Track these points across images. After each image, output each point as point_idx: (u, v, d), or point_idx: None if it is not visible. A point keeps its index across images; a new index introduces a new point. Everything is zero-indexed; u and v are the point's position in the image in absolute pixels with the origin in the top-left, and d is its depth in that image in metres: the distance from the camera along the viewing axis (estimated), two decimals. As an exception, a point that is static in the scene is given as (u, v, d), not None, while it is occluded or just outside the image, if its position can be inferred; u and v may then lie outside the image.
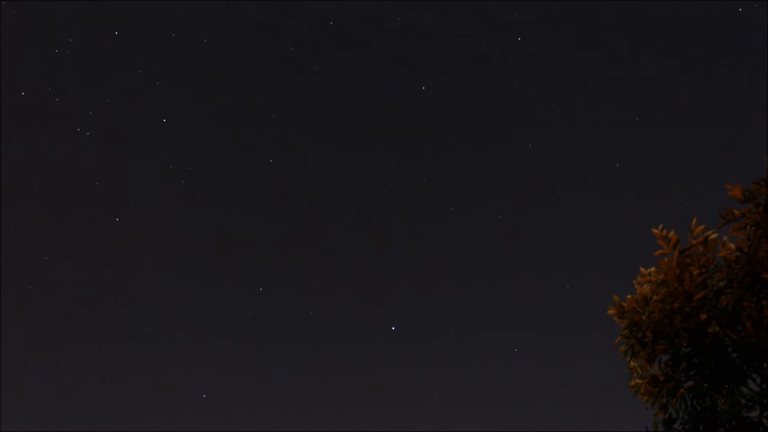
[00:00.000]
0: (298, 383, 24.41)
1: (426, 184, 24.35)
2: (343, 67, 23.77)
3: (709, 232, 6.08)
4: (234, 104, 24.25)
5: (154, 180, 23.80)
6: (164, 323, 24.54)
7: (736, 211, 5.78)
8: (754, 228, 5.72)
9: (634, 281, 6.50)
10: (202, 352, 24.38)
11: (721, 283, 6.05)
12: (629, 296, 6.42)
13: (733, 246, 5.99)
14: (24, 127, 22.39)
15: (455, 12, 22.56)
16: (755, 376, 6.02)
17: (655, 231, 6.27)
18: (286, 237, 25.24)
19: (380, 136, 24.43)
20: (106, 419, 23.13)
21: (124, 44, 22.11)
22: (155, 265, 24.45)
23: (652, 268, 6.38)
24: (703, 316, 5.96)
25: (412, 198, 24.70)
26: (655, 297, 6.26)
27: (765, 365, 5.89)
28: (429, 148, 24.50)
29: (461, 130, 24.03)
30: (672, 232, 6.18)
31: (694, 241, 6.13)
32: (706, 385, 6.09)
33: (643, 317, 6.32)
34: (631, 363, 6.63)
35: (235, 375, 24.18)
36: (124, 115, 22.96)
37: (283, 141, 24.71)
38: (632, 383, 6.60)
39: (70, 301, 23.98)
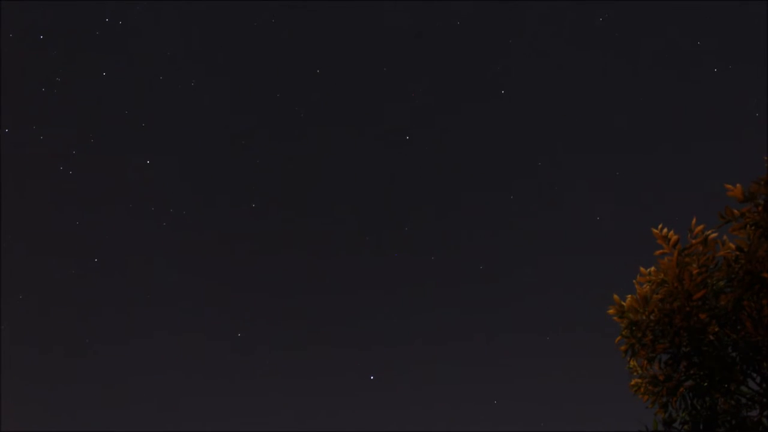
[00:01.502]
0: (298, 383, 24.40)
1: (426, 183, 24.36)
2: (342, 66, 23.78)
3: (709, 232, 6.09)
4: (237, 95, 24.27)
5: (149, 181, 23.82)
6: (164, 323, 24.53)
7: (735, 211, 5.80)
8: (753, 228, 5.73)
9: (634, 281, 6.51)
10: (201, 353, 24.37)
11: (721, 283, 6.06)
12: (629, 296, 6.42)
13: (732, 245, 6.00)
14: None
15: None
16: (755, 375, 6.02)
17: (655, 231, 6.28)
18: (285, 237, 25.24)
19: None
20: (107, 419, 23.12)
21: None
22: (155, 266, 24.45)
23: (652, 268, 6.38)
24: (703, 316, 5.97)
25: (413, 198, 24.70)
26: (655, 297, 6.26)
27: (765, 365, 5.90)
28: (430, 147, 24.50)
29: (460, 125, 24.04)
30: (672, 232, 6.19)
31: (693, 241, 6.14)
32: (706, 384, 6.09)
33: (643, 317, 6.32)
34: (631, 362, 6.64)
35: (236, 375, 24.16)
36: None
37: (284, 141, 24.71)
38: (632, 383, 6.60)
39: (70, 302, 23.97)
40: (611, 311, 6.54)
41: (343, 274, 25.37)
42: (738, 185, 5.71)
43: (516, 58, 23.14)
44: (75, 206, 23.69)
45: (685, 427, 6.16)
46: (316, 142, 24.91)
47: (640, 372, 6.59)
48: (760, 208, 5.68)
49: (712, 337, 6.01)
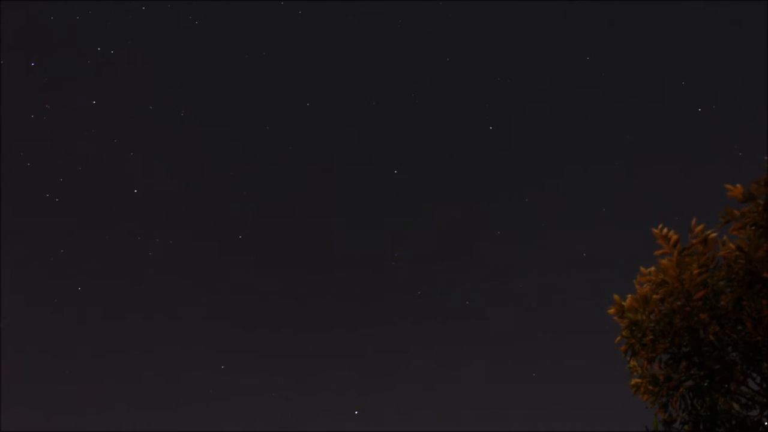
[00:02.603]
0: (296, 384, 24.37)
1: (426, 183, 24.32)
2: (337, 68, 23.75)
3: (709, 232, 6.08)
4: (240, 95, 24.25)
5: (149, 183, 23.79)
6: (165, 324, 24.50)
7: (736, 211, 5.79)
8: (753, 228, 5.73)
9: (634, 281, 6.50)
10: (201, 354, 24.34)
11: (721, 283, 6.05)
12: (629, 296, 6.42)
13: (732, 245, 5.99)
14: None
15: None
16: (755, 375, 6.02)
17: (655, 231, 6.27)
18: (286, 236, 25.20)
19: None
20: (107, 419, 23.09)
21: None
22: (155, 266, 24.42)
23: (652, 268, 6.37)
24: (703, 316, 5.97)
25: (413, 197, 24.67)
26: (655, 296, 6.26)
27: (765, 365, 5.89)
28: (431, 146, 24.47)
29: (461, 131, 24.00)
30: (672, 232, 6.19)
31: (693, 241, 6.14)
32: (706, 384, 6.09)
33: (643, 317, 6.32)
34: (631, 362, 6.63)
35: (236, 376, 24.14)
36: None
37: (283, 142, 24.68)
38: (632, 383, 6.60)
39: (69, 302, 23.95)
40: (611, 311, 6.53)
41: (343, 274, 25.36)
42: (738, 185, 5.71)
43: (521, 61, 23.12)
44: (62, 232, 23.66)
45: (685, 427, 6.15)
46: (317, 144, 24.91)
47: (640, 372, 6.58)
48: (760, 208, 5.68)
49: (712, 337, 6.01)
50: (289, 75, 23.84)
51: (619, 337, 6.56)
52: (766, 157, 5.72)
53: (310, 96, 24.00)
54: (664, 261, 6.17)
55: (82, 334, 23.98)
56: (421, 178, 25.01)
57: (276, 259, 25.65)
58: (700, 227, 6.13)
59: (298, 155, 24.66)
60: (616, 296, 6.50)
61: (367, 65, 23.71)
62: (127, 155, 23.20)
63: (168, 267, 24.73)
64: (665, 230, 6.24)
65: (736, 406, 6.07)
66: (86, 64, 21.83)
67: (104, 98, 22.45)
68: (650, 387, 6.37)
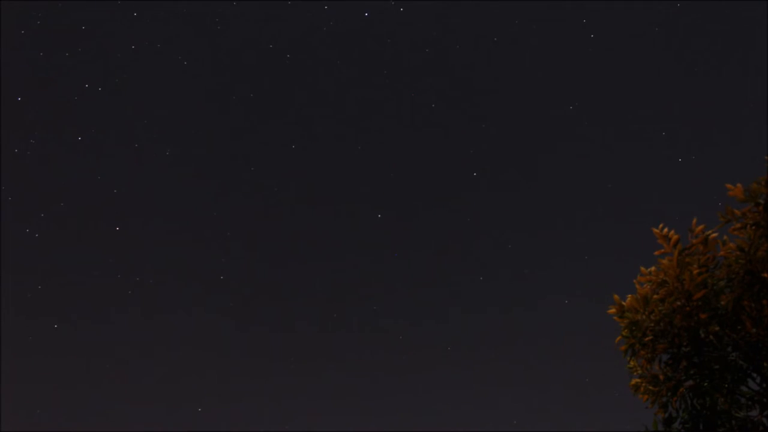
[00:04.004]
0: (297, 385, 24.37)
1: (425, 183, 24.34)
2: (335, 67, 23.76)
3: (709, 232, 6.08)
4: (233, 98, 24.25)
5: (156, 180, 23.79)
6: (164, 324, 24.50)
7: (736, 211, 5.79)
8: (754, 227, 5.73)
9: (634, 281, 6.50)
10: (201, 355, 24.34)
11: (721, 283, 6.05)
12: (629, 296, 6.41)
13: (733, 245, 5.99)
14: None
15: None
16: (755, 375, 6.02)
17: (655, 230, 6.27)
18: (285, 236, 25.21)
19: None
20: (106, 420, 23.08)
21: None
22: (155, 266, 24.41)
23: (652, 268, 6.37)
24: (703, 316, 5.96)
25: (413, 196, 24.68)
26: (655, 296, 6.25)
27: (765, 364, 5.89)
28: (431, 146, 24.48)
29: (462, 129, 24.02)
30: (672, 232, 6.18)
31: (694, 241, 6.13)
32: (706, 384, 6.09)
33: (643, 317, 6.31)
34: (631, 362, 6.62)
35: (238, 377, 24.15)
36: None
37: (283, 140, 24.68)
38: (632, 382, 6.59)
39: (69, 302, 23.94)
40: (611, 311, 6.53)
41: (342, 274, 25.36)
42: (738, 185, 5.70)
43: (518, 60, 23.13)
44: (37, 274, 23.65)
45: (685, 426, 6.15)
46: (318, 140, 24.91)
47: (639, 372, 6.58)
48: (760, 208, 5.67)
49: (712, 337, 6.01)
50: (277, 114, 23.91)
51: (619, 337, 6.55)
52: (766, 157, 5.72)
53: (294, 139, 24.14)
54: (664, 261, 6.16)
55: (82, 334, 23.97)
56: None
57: (276, 260, 25.64)
58: (701, 227, 6.12)
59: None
60: (616, 296, 6.49)
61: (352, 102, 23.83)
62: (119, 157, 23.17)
63: (168, 267, 24.71)
64: (665, 230, 6.23)
65: (736, 408, 6.07)
66: (73, 99, 21.89)
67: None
68: (650, 387, 6.36)
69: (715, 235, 6.06)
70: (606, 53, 22.28)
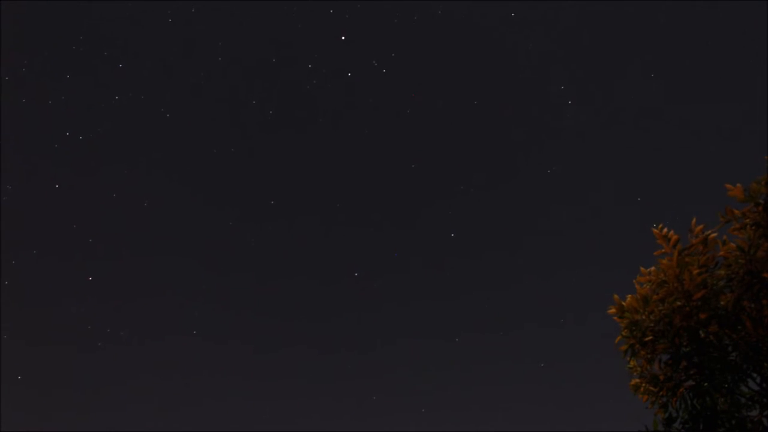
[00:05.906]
0: (295, 385, 24.39)
1: (425, 182, 24.35)
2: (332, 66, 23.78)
3: (709, 232, 6.07)
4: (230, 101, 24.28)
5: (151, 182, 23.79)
6: (165, 324, 24.51)
7: (736, 211, 5.79)
8: (754, 227, 5.72)
9: (634, 281, 6.50)
10: (202, 356, 24.36)
11: (721, 283, 6.05)
12: (629, 296, 6.41)
13: (733, 245, 5.99)
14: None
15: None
16: (755, 375, 6.02)
17: (655, 231, 6.27)
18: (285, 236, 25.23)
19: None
20: (106, 420, 23.10)
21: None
22: (155, 265, 24.45)
23: (652, 268, 6.37)
24: (703, 316, 5.96)
25: (412, 197, 24.69)
26: (655, 297, 6.25)
27: (765, 364, 5.89)
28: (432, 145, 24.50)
29: (460, 126, 24.03)
30: (672, 232, 6.18)
31: (694, 241, 6.13)
32: (706, 384, 6.08)
33: (643, 317, 6.31)
34: (631, 362, 6.62)
35: (239, 377, 24.16)
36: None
37: (282, 139, 24.71)
38: (632, 383, 6.59)
39: (69, 302, 23.96)
40: (611, 311, 6.53)
41: (342, 273, 25.40)
42: (738, 185, 5.70)
43: (522, 55, 23.13)
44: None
45: (685, 426, 6.15)
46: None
47: (640, 372, 6.58)
48: (760, 208, 5.67)
49: (712, 337, 6.01)
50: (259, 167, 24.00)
51: (619, 337, 6.55)
52: (766, 157, 5.72)
53: (273, 195, 24.29)
54: (664, 261, 6.16)
55: (82, 334, 23.98)
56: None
57: (276, 259, 25.65)
58: (700, 227, 6.12)
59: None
60: (616, 296, 6.49)
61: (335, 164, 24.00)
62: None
63: (167, 269, 24.73)
64: (665, 230, 6.23)
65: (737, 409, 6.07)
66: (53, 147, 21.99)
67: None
68: (650, 387, 6.36)
69: (714, 235, 6.06)
70: (604, 52, 22.29)
